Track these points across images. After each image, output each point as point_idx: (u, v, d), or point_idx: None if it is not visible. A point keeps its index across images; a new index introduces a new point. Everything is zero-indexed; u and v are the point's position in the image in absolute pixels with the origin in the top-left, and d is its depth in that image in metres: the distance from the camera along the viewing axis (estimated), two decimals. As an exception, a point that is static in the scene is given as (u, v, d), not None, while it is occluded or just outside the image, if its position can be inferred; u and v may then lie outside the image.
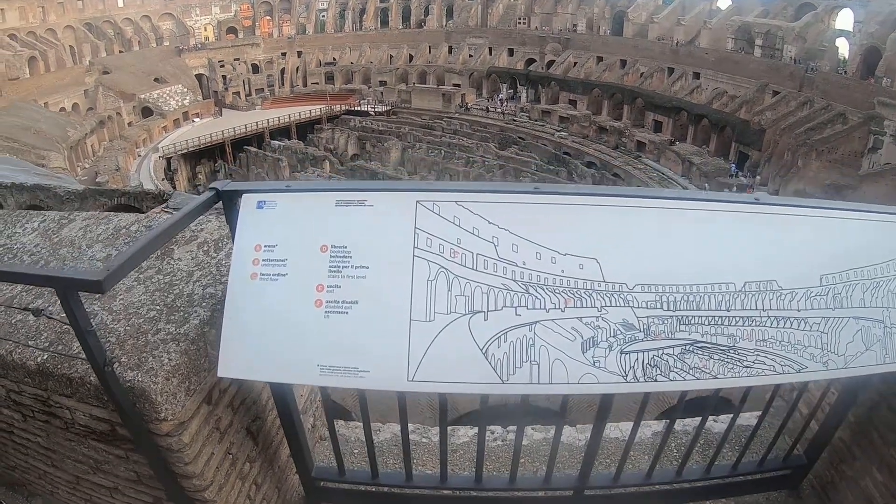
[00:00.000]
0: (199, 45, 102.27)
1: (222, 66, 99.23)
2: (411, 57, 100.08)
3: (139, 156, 76.93)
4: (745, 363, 2.67)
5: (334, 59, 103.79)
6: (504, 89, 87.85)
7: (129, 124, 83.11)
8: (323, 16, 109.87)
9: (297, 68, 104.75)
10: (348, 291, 2.56)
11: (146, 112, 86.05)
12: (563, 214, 2.60)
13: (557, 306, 2.54)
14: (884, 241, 2.97)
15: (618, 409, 3.34)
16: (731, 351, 2.65)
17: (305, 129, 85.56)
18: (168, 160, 75.21)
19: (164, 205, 13.11)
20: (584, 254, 2.57)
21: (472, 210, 2.55)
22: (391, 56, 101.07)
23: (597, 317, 2.55)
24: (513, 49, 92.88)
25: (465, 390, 2.56)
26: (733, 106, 65.86)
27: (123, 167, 68.40)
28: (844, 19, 67.31)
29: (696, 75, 73.75)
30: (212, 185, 2.85)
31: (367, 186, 2.71)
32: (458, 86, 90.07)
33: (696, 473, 4.15)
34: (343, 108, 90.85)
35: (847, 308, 2.83)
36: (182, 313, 3.03)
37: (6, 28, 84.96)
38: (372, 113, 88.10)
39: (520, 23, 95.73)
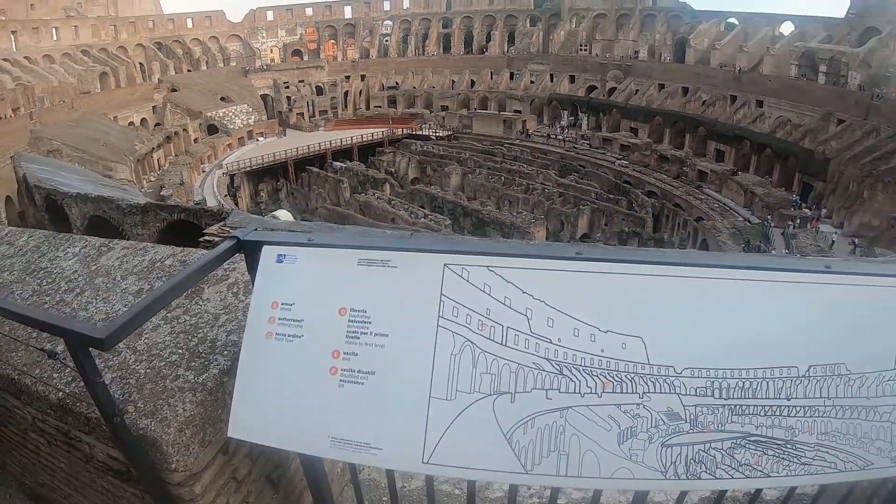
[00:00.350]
0: (265, 67, 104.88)
1: (287, 87, 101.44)
2: (473, 83, 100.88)
3: (203, 171, 78.91)
4: (802, 459, 2.30)
5: (397, 83, 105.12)
6: (565, 116, 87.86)
7: (195, 140, 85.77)
8: (386, 40, 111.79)
9: (360, 91, 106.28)
10: (365, 360, 2.38)
11: (212, 129, 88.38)
12: (607, 284, 2.31)
13: (594, 391, 2.25)
14: None
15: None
16: (789, 445, 2.30)
17: (367, 151, 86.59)
18: (231, 177, 76.89)
19: (222, 223, 13.12)
20: (628, 332, 2.26)
21: (504, 277, 2.32)
22: (453, 81, 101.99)
23: (638, 404, 2.25)
24: (574, 76, 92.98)
25: (484, 478, 2.37)
26: (797, 135, 64.20)
27: (188, 182, 69.96)
28: None
29: (759, 103, 72.45)
30: (233, 234, 2.69)
31: (392, 245, 2.53)
32: (519, 112, 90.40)
33: None
34: (404, 131, 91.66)
35: (924, 394, 2.47)
36: (203, 360, 2.93)
37: (80, 44, 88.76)
38: (433, 137, 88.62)
39: (581, 50, 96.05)
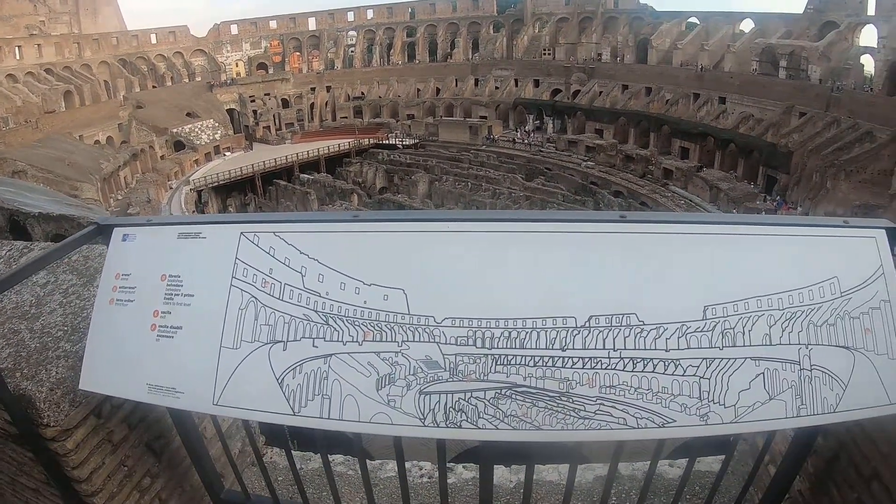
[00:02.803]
0: (230, 81, 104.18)
1: (253, 100, 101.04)
2: (438, 90, 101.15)
3: (171, 188, 78.06)
4: (582, 413, 2.27)
5: (362, 93, 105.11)
6: (530, 120, 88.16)
7: (162, 157, 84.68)
8: (351, 51, 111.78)
9: (326, 103, 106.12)
10: (176, 317, 2.69)
11: (178, 146, 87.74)
12: (375, 242, 2.50)
13: (355, 339, 2.43)
14: (804, 260, 2.53)
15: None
16: (564, 398, 2.27)
17: (334, 162, 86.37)
18: (199, 193, 76.22)
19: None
20: (391, 284, 2.44)
21: (286, 240, 2.58)
22: (418, 90, 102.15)
23: (397, 352, 2.39)
24: (538, 80, 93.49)
25: (261, 418, 2.62)
26: (760, 129, 65.05)
27: (155, 199, 69.20)
28: (868, 36, 66.78)
29: (722, 100, 73.29)
30: (94, 220, 3.15)
31: (203, 220, 2.87)
32: (485, 118, 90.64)
33: None
34: (371, 141, 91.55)
35: (742, 347, 2.36)
36: (80, 334, 3.27)
37: (43, 63, 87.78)
38: (400, 146, 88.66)
39: (545, 54, 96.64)
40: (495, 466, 4.43)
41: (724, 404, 2.33)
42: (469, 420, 2.30)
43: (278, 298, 2.53)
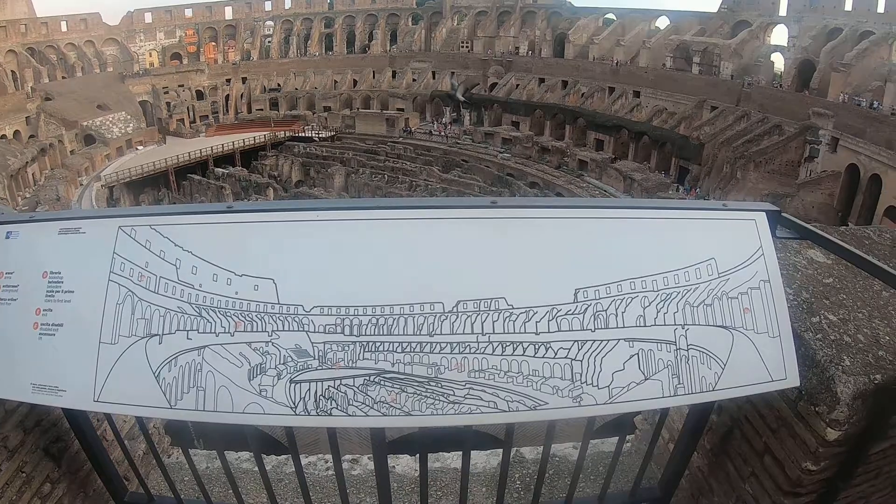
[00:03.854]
0: (144, 72, 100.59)
1: (166, 92, 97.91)
2: (355, 82, 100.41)
3: (81, 185, 74.79)
4: (451, 398, 2.29)
5: (279, 84, 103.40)
6: (447, 113, 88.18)
7: (72, 152, 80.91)
8: (268, 42, 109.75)
9: (242, 94, 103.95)
10: (58, 315, 2.62)
11: (89, 140, 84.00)
12: (247, 234, 2.49)
13: (227, 330, 2.41)
14: (681, 243, 2.58)
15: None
16: (433, 383, 2.29)
17: (250, 156, 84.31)
18: (110, 189, 73.50)
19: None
20: (261, 274, 2.42)
21: (162, 233, 2.53)
22: (335, 81, 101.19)
23: (267, 342, 2.38)
24: (456, 72, 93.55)
25: (140, 413, 2.62)
26: (672, 122, 67.51)
27: (65, 196, 66.55)
28: (779, 35, 70.99)
29: (637, 94, 75.78)
30: None
31: (83, 215, 2.79)
32: (402, 110, 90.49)
33: None
34: (287, 134, 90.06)
35: (615, 329, 2.40)
36: None
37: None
38: (316, 139, 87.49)
39: (463, 47, 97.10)
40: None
41: (597, 385, 2.37)
42: (339, 407, 2.30)
43: (154, 292, 2.49)
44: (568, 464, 4.58)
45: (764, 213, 2.81)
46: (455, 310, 2.32)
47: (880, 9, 61.58)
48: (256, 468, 4.57)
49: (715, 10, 77.77)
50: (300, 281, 2.39)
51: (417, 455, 4.63)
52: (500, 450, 4.59)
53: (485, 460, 4.65)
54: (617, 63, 79.50)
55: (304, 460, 4.53)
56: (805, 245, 3.94)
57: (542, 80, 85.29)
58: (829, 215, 51.09)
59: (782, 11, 69.72)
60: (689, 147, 62.66)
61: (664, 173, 64.68)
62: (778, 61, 70.15)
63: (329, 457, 4.80)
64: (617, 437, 4.04)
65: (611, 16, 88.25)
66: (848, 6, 64.02)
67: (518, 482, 4.45)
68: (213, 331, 2.41)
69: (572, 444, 4.78)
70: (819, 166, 54.96)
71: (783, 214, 2.94)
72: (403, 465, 4.61)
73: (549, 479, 4.43)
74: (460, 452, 4.72)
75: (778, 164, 56.27)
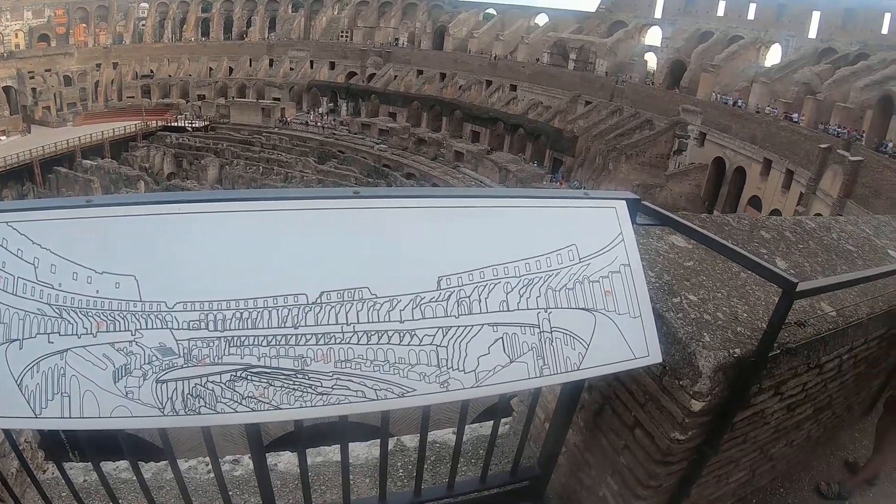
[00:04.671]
0: (8, 54, 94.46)
1: (32, 77, 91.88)
2: (231, 70, 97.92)
3: None
4: (319, 390, 2.27)
5: (152, 71, 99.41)
6: (324, 103, 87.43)
7: None
8: (142, 25, 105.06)
9: (113, 81, 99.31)
10: None
11: (-55, 129, 78.98)
12: (107, 229, 2.30)
13: (89, 331, 2.23)
14: (542, 230, 2.66)
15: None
16: (300, 375, 2.26)
17: (120, 146, 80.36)
18: (-30, 184, 69.11)
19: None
20: (122, 271, 2.26)
21: (19, 230, 2.30)
22: (211, 69, 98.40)
23: (131, 341, 2.22)
24: (334, 62, 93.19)
25: (4, 425, 2.46)
26: (548, 116, 69.49)
27: (-79, 192, 62.42)
28: (653, 36, 75.07)
29: (513, 87, 77.45)
30: None
31: None
32: (278, 100, 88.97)
33: (435, 492, 3.79)
34: (159, 123, 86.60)
35: (479, 314, 2.45)
36: None
37: None
38: (189, 129, 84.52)
39: (342, 36, 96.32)
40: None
41: (463, 370, 2.41)
42: (207, 405, 2.22)
43: (12, 294, 2.28)
44: (448, 449, 4.62)
45: (624, 202, 2.93)
46: (319, 301, 2.29)
47: (750, 16, 67.26)
48: (164, 475, 4.46)
49: (593, 9, 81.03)
50: (162, 277, 2.27)
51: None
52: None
53: (366, 451, 4.64)
54: (495, 57, 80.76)
55: (184, 464, 4.39)
56: (667, 231, 4.12)
57: (420, 72, 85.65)
58: (696, 205, 53.90)
59: (657, 14, 73.53)
60: (563, 140, 64.73)
61: (538, 165, 66.27)
62: (651, 60, 73.70)
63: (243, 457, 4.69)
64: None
65: (491, 11, 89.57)
66: (720, 11, 68.99)
67: (401, 470, 4.47)
68: (74, 332, 2.24)
69: (451, 430, 4.84)
70: (687, 159, 58.48)
71: (643, 202, 3.07)
72: (286, 461, 4.54)
73: (430, 465, 4.48)
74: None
75: (648, 157, 58.90)
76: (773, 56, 65.67)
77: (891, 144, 43.74)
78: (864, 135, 46.74)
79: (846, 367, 4.38)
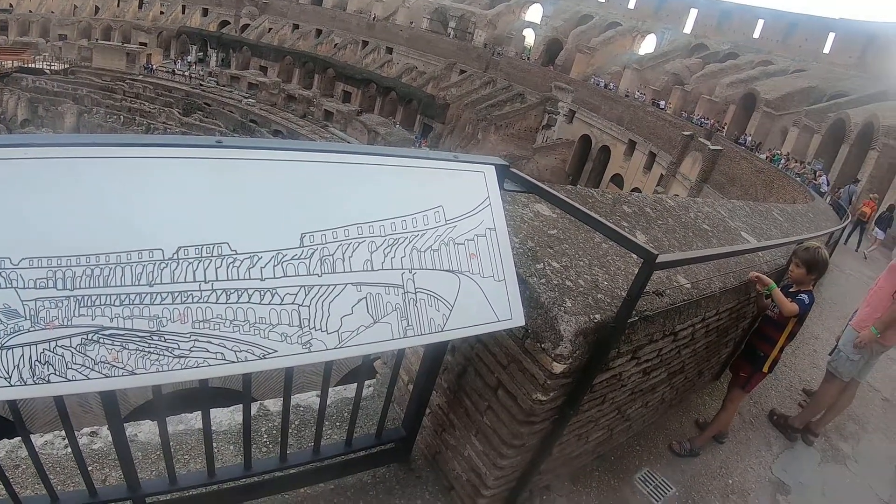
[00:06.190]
0: None
1: None
2: (97, 9, 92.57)
3: None
4: (176, 352, 2.13)
5: (11, 5, 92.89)
6: (194, 51, 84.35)
7: None
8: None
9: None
10: None
11: None
12: None
13: None
14: (410, 190, 2.64)
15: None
16: (156, 337, 2.11)
17: (-30, 89, 75.53)
18: None
19: None
20: None
21: None
22: (75, 7, 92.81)
23: None
24: (207, 9, 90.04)
25: None
26: (421, 81, 69.71)
27: None
28: (534, 13, 76.71)
29: (389, 50, 76.96)
30: None
31: None
32: (145, 45, 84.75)
33: (301, 457, 3.71)
34: (15, 64, 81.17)
35: (342, 273, 2.40)
36: None
37: None
38: (47, 71, 79.27)
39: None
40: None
41: (326, 330, 2.35)
42: (57, 372, 2.00)
43: None
44: (313, 412, 4.58)
45: (493, 167, 2.95)
46: (176, 257, 2.13)
47: (631, 5, 71.28)
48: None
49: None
50: (5, 230, 1.96)
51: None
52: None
53: (229, 417, 4.52)
54: (374, 18, 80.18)
55: (39, 440, 4.12)
56: (533, 199, 4.19)
57: (296, 27, 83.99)
58: (561, 178, 55.67)
59: (541, -9, 74.71)
60: (435, 106, 64.96)
61: (409, 129, 65.92)
62: (529, 36, 75.43)
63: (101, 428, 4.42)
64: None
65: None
66: (602, -3, 71.08)
67: (265, 436, 4.38)
68: None
69: (315, 393, 4.80)
70: (555, 134, 60.16)
71: (511, 169, 3.10)
72: (146, 431, 4.31)
73: (295, 429, 4.42)
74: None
75: (517, 129, 60.12)
76: (648, 46, 69.19)
77: (749, 139, 46.77)
78: (725, 127, 50.24)
79: (699, 335, 4.63)
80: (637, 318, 3.49)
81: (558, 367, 3.17)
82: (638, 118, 53.76)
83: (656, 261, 2.87)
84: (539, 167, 56.02)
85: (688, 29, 67.23)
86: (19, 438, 3.91)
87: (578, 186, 5.47)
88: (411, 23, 78.08)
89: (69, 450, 3.91)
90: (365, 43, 78.70)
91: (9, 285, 1.96)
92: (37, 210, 2.00)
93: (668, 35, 66.82)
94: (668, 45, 65.84)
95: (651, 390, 4.80)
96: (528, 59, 71.26)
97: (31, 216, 1.99)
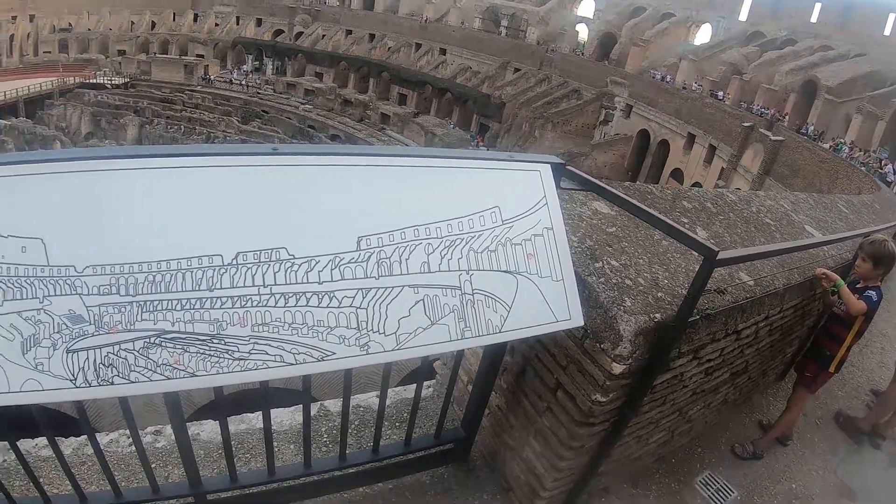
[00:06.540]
0: None
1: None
2: (154, 24, 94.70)
3: None
4: (236, 355, 2.19)
5: (70, 24, 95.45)
6: (250, 61, 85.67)
7: None
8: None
9: (28, 35, 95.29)
10: None
11: None
12: (11, 189, 2.06)
13: None
14: (466, 191, 2.63)
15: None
16: (216, 340, 2.17)
17: (35, 105, 76.50)
18: None
19: None
20: (28, 234, 2.06)
21: None
22: (132, 23, 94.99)
23: (39, 309, 2.06)
24: (261, 19, 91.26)
25: None
26: (476, 81, 69.60)
27: None
28: (586, 7, 76.06)
29: (443, 51, 77.16)
30: None
31: None
32: (202, 56, 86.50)
33: (361, 457, 3.77)
34: (78, 80, 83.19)
35: (399, 276, 2.42)
36: None
37: None
38: (108, 86, 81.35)
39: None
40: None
41: (383, 332, 2.38)
42: (121, 374, 2.10)
43: None
44: (373, 413, 4.60)
45: (549, 165, 2.92)
46: (235, 262, 2.20)
47: None
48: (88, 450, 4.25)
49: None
50: (71, 239, 2.08)
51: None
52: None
53: (290, 417, 4.58)
54: (426, 20, 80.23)
55: (105, 438, 4.23)
56: (591, 197, 4.15)
57: (349, 32, 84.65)
58: (620, 174, 55.06)
59: (591, -15, 73.83)
60: (491, 105, 64.91)
61: (465, 129, 66.01)
62: (582, 31, 74.54)
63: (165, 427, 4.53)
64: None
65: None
66: (654, -12, 69.65)
67: (325, 436, 4.42)
68: None
69: (375, 394, 4.82)
70: (613, 130, 59.59)
71: (567, 167, 3.07)
72: (209, 430, 4.41)
73: (355, 429, 4.46)
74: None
75: (574, 126, 59.73)
76: (703, 35, 67.50)
77: (811, 128, 45.41)
78: (786, 117, 48.38)
79: (762, 334, 4.52)
80: (698, 316, 3.41)
81: (618, 368, 3.13)
82: (696, 110, 52.93)
83: (717, 258, 2.80)
84: (597, 164, 55.63)
85: (743, 16, 65.44)
86: (86, 436, 4.03)
87: (637, 182, 5.39)
88: (462, 23, 77.92)
89: (133, 448, 4.00)
90: (418, 45, 79.06)
91: (74, 292, 2.07)
92: (100, 220, 2.10)
93: (723, 24, 65.29)
94: (723, 33, 64.32)
95: (713, 391, 4.71)
96: (583, 54, 70.63)
97: (95, 226, 2.09)
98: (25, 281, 2.06)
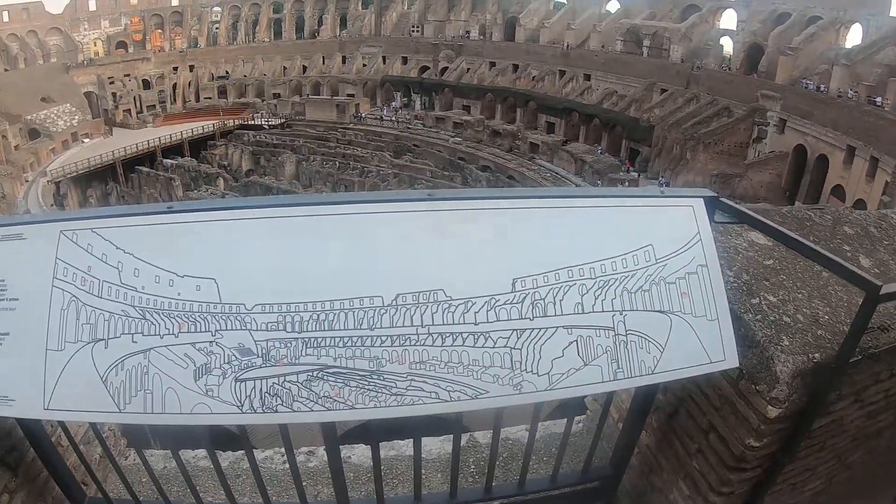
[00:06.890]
0: (88, 61, 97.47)
1: (112, 82, 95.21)
2: (305, 68, 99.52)
3: (27, 181, 71.65)
4: (394, 390, 2.33)
5: (227, 72, 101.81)
6: (398, 97, 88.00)
7: (16, 147, 76.90)
8: (216, 28, 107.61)
9: (190, 83, 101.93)
10: (3, 323, 2.50)
11: (33, 134, 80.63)
12: (187, 234, 2.45)
13: (171, 332, 2.38)
14: (618, 230, 2.63)
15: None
16: (375, 376, 2.33)
17: (198, 145, 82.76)
18: (57, 184, 71.05)
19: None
20: (202, 274, 2.39)
21: (103, 236, 2.46)
22: (285, 68, 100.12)
23: (211, 342, 2.36)
24: (406, 57, 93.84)
25: (89, 419, 2.63)
26: (623, 105, 68.39)
27: (10, 194, 64.18)
28: (728, 19, 72.69)
29: (587, 77, 76.54)
30: None
31: (23, 220, 2.65)
32: (353, 96, 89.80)
33: (506, 490, 3.81)
34: (236, 122, 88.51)
35: (553, 316, 2.45)
36: None
37: None
38: (266, 126, 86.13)
39: (413, 31, 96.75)
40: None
41: (537, 373, 2.42)
42: (284, 404, 2.31)
43: (97, 296, 2.43)
44: (521, 446, 4.59)
45: (702, 199, 2.87)
46: (395, 303, 2.34)
47: None
48: (241, 464, 4.56)
49: (655, -6, 78.94)
50: (241, 280, 2.38)
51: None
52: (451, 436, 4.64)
53: (439, 446, 4.67)
54: (567, 46, 79.99)
55: (260, 454, 4.49)
56: (746, 228, 4.02)
57: (493, 64, 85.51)
58: (777, 194, 52.45)
59: (732, -5, 70.97)
60: (640, 129, 63.73)
61: (615, 155, 65.16)
62: (727, 45, 71.54)
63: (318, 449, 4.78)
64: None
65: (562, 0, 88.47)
66: (797, -9, 65.33)
67: (472, 466, 4.48)
68: (157, 333, 2.38)
69: (524, 427, 4.82)
70: (767, 147, 56.69)
71: (721, 199, 3.00)
72: (359, 454, 4.59)
73: (502, 461, 4.47)
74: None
75: (727, 146, 57.52)
76: (854, 36, 62.51)
77: None
78: None
79: (933, 376, 4.22)
80: (860, 356, 3.23)
81: (773, 412, 2.99)
82: (854, 120, 49.13)
83: (880, 292, 2.57)
84: (753, 184, 53.42)
85: (894, 12, 59.01)
86: (242, 452, 4.27)
87: (797, 205, 5.19)
88: (604, 46, 77.01)
89: (286, 466, 4.24)
90: (562, 72, 78.84)
91: (243, 327, 2.33)
92: (268, 262, 2.38)
93: (874, 21, 59.86)
94: (875, 32, 57.93)
95: (876, 435, 4.41)
96: (729, 69, 67.94)
97: (263, 267, 2.37)
98: (199, 316, 2.36)
